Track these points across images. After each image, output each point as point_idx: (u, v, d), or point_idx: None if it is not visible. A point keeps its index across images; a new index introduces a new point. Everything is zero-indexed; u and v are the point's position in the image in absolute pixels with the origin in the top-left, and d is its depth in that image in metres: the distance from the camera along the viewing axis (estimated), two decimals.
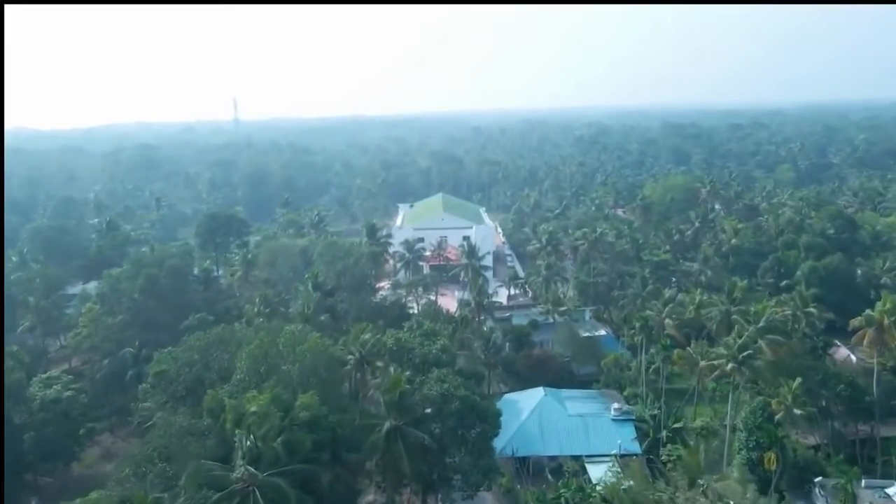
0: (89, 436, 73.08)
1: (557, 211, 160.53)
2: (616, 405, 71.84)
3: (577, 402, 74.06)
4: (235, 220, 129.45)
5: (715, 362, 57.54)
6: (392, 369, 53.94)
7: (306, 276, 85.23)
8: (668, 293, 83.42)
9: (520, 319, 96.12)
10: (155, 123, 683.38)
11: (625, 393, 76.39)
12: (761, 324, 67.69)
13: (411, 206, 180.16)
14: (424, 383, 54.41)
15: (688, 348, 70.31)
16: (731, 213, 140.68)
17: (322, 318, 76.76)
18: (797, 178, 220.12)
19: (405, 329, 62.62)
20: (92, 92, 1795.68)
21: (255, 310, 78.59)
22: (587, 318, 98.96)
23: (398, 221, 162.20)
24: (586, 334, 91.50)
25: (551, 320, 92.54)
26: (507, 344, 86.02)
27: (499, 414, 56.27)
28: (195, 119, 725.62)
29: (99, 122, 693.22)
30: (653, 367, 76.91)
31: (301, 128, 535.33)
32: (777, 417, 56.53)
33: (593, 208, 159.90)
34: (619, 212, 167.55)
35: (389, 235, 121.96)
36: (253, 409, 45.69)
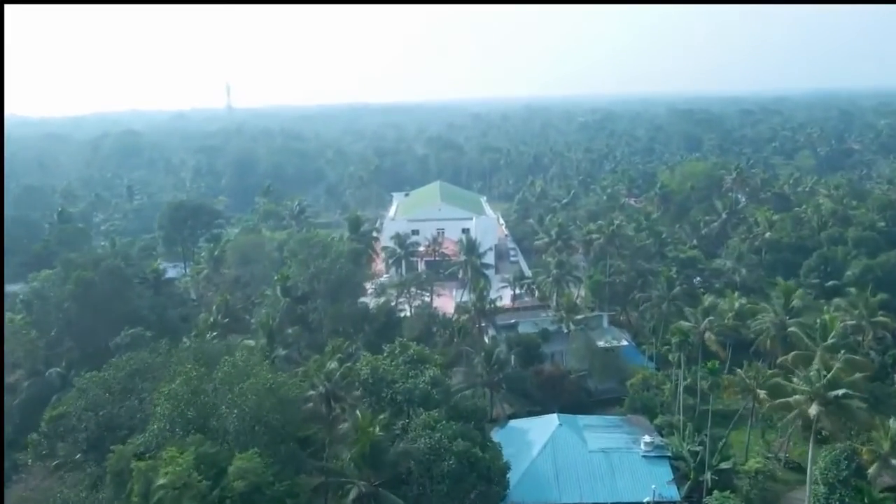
0: (14, 469, 60.87)
1: (565, 200, 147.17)
2: (647, 438, 58.61)
3: (598, 433, 60.97)
4: (204, 210, 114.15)
5: (791, 400, 43.76)
6: (359, 412, 40.18)
7: (275, 278, 72.04)
8: (707, 300, 69.73)
9: (527, 327, 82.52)
10: (148, 111, 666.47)
11: (656, 421, 63.18)
12: (830, 340, 54.34)
13: (406, 195, 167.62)
14: (409, 429, 41.23)
15: (738, 371, 56.71)
16: (760, 204, 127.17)
17: (290, 330, 63.81)
18: (818, 165, 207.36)
19: (385, 353, 49.03)
20: (85, 79, 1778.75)
21: (211, 320, 65.36)
22: (605, 324, 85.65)
23: (392, 212, 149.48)
24: (606, 345, 78.20)
25: (565, 329, 79.10)
26: (513, 357, 72.92)
27: (506, 469, 43.25)
28: (189, 107, 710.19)
29: (91, 110, 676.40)
30: (685, 383, 63.93)
31: (297, 115, 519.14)
32: (870, 472, 43.13)
33: (605, 197, 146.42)
34: (632, 201, 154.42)
35: (378, 229, 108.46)
36: (164, 480, 32.65)
